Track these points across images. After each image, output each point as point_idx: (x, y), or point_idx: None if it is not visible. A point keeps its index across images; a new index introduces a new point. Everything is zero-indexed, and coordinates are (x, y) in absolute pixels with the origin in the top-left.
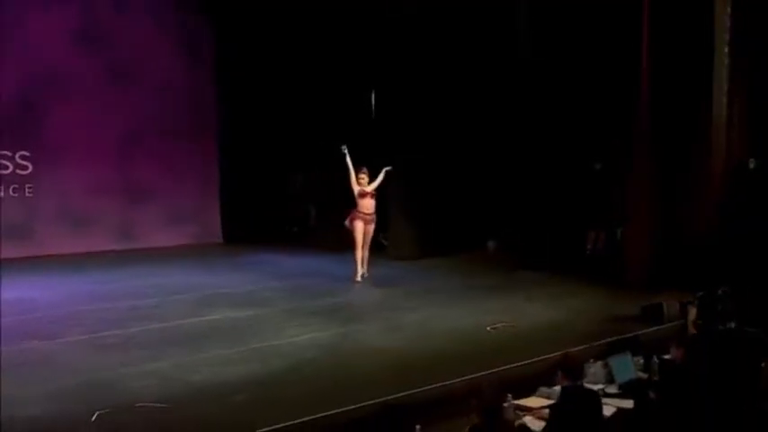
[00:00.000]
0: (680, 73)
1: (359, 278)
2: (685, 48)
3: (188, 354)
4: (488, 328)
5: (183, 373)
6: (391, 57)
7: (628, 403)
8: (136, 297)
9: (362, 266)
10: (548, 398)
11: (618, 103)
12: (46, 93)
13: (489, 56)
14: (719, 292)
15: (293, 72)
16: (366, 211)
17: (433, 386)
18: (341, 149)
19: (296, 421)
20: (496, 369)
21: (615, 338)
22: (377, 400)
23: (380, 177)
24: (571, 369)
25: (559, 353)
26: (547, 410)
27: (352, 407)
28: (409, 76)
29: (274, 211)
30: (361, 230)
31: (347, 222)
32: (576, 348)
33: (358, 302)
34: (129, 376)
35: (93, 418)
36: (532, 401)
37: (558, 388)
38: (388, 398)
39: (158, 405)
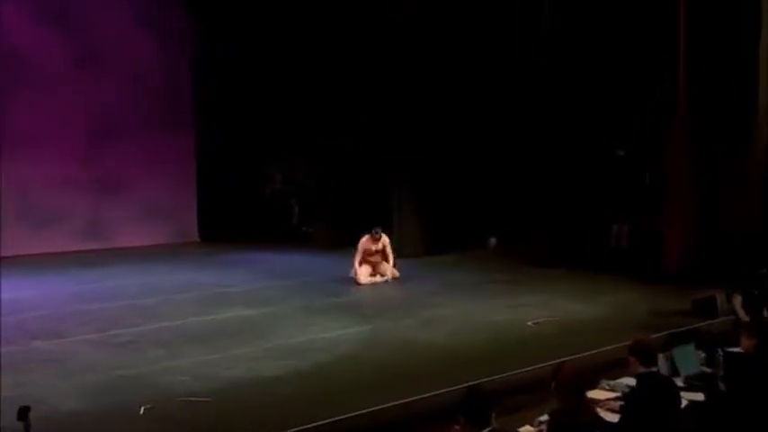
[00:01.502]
0: (721, 53)
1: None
2: (727, 27)
3: (211, 351)
4: (530, 323)
5: (215, 369)
6: (388, 49)
7: (696, 396)
8: (131, 296)
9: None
10: (612, 390)
11: (647, 84)
12: (6, 77)
13: (497, 43)
14: (763, 271)
15: (274, 63)
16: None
17: (501, 375)
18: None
19: (363, 411)
20: (560, 360)
21: (673, 331)
22: (439, 392)
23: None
24: (646, 354)
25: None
26: (615, 403)
27: (423, 396)
28: (411, 69)
29: (254, 208)
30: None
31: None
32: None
33: (376, 299)
34: (156, 372)
35: (142, 411)
36: (597, 394)
37: (623, 380)
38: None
39: (202, 399)
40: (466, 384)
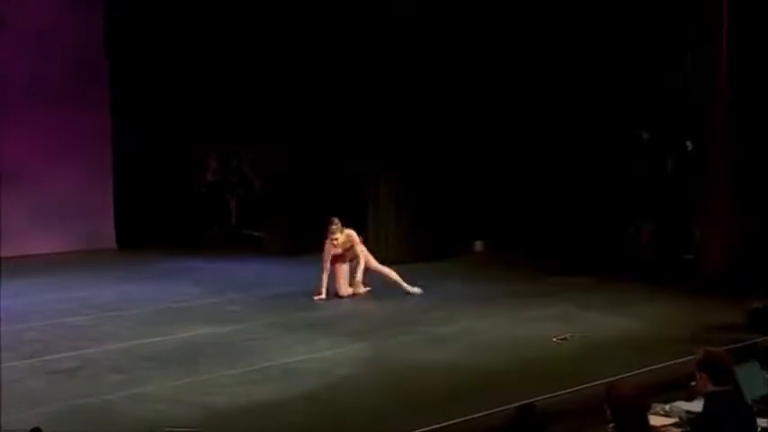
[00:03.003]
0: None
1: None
2: None
3: (182, 375)
4: (555, 339)
5: (193, 395)
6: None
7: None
8: (57, 315)
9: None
10: (667, 416)
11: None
12: None
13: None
14: None
15: (210, 25)
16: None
17: (535, 400)
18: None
19: None
20: (602, 381)
21: (729, 347)
22: (472, 416)
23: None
24: (719, 370)
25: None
26: (676, 430)
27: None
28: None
29: (185, 207)
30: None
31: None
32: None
33: (364, 314)
34: (123, 401)
35: None
36: (653, 420)
37: (680, 404)
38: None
39: (190, 429)
40: (500, 408)
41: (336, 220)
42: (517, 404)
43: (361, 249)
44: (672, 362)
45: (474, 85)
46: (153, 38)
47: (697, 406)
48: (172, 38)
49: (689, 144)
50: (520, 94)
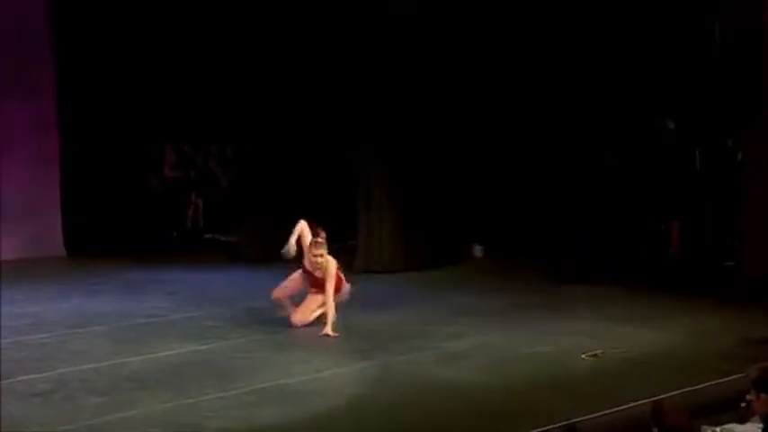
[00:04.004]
0: None
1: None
2: None
3: (171, 397)
4: (584, 356)
5: (190, 419)
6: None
7: None
8: (16, 332)
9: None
10: None
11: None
12: None
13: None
14: None
15: (170, 13)
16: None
17: (574, 421)
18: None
19: None
20: (644, 400)
21: None
22: None
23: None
24: None
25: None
26: None
27: None
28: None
29: (141, 207)
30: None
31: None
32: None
33: (365, 330)
34: (111, 426)
35: None
36: None
37: (733, 426)
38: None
39: None
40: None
41: (324, 234)
42: (557, 425)
43: (331, 288)
44: (719, 380)
45: (473, 78)
46: (107, 11)
47: (751, 428)
48: (128, 12)
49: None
50: (526, 82)
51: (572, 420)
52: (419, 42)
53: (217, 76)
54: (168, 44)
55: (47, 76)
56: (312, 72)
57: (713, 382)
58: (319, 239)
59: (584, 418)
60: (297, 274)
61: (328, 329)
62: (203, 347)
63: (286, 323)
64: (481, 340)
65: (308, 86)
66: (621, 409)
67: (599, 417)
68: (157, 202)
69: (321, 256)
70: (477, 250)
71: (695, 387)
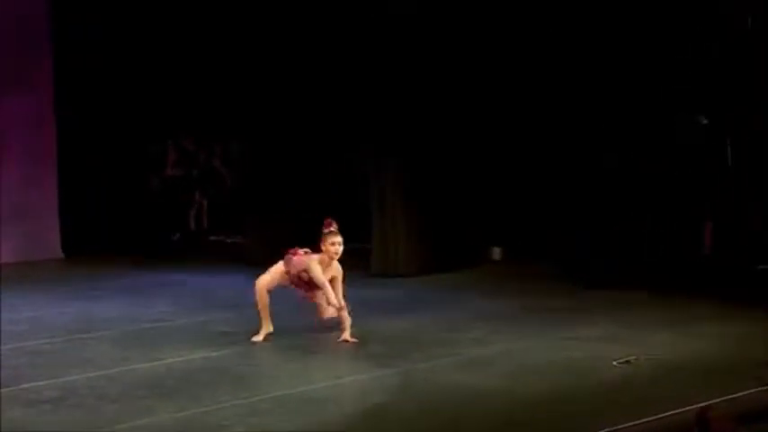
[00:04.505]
0: None
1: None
2: None
3: (188, 404)
4: (615, 362)
5: (205, 427)
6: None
7: None
8: (17, 338)
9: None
10: None
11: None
12: None
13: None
14: None
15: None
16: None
17: (609, 430)
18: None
19: None
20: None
21: None
22: None
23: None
24: None
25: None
26: None
27: None
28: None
29: (142, 208)
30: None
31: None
32: None
33: (382, 335)
34: None
35: None
36: None
37: None
38: None
39: None
40: None
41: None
42: None
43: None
44: (758, 388)
45: (489, 74)
46: (106, 4)
47: None
48: (128, 5)
49: (703, 119)
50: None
51: (612, 428)
52: (427, 40)
53: (220, 72)
54: (169, 39)
55: (44, 72)
56: (322, 67)
57: (753, 390)
58: (332, 228)
59: (621, 426)
60: (281, 266)
61: (347, 335)
62: (214, 354)
63: (299, 328)
64: (504, 346)
65: (317, 82)
66: (661, 417)
67: (637, 425)
68: (158, 203)
69: (341, 243)
70: (496, 252)
71: (735, 395)
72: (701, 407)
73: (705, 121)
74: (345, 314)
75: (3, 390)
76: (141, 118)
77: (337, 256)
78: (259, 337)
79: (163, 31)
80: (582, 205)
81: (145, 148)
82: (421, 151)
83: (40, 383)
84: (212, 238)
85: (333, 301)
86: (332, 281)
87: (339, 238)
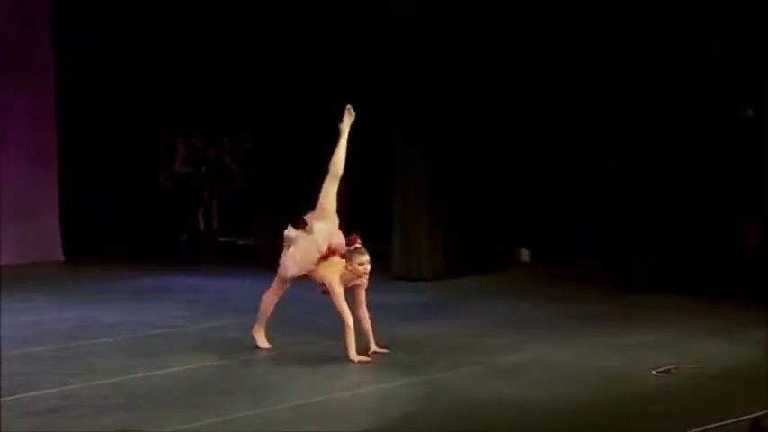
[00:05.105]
0: None
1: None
2: None
3: (199, 414)
4: (655, 372)
5: None
6: None
7: None
8: (17, 343)
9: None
10: None
11: None
12: None
13: None
14: None
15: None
16: None
17: None
18: None
19: None
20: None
21: None
22: None
23: None
24: None
25: None
26: None
27: None
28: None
29: (148, 207)
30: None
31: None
32: None
33: (408, 342)
34: None
35: None
36: None
37: None
38: None
39: None
40: None
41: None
42: None
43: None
44: None
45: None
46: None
47: None
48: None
49: (748, 111)
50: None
51: None
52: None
53: (229, 62)
54: (176, 28)
55: (44, 66)
56: (341, 59)
57: None
58: (357, 245)
59: None
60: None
61: (374, 346)
62: (225, 361)
63: (315, 333)
64: (536, 354)
65: (334, 74)
66: (710, 428)
67: None
68: (166, 202)
69: (368, 261)
70: (525, 254)
71: None
72: (756, 416)
73: (750, 113)
74: (367, 325)
75: (12, 398)
76: (146, 112)
77: (366, 276)
78: (265, 344)
79: (168, 17)
80: (617, 204)
81: (151, 144)
82: (446, 145)
83: (39, 393)
84: (222, 239)
85: (346, 320)
86: (355, 288)
87: (366, 257)
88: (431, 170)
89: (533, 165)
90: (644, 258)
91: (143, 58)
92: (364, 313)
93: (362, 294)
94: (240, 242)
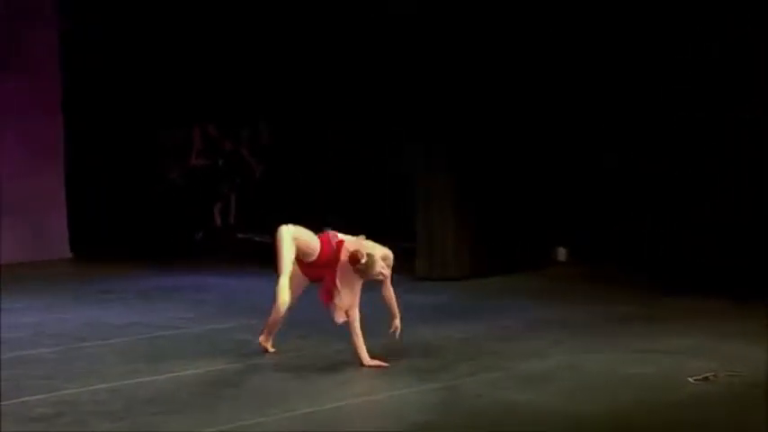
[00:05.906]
0: None
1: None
2: None
3: (206, 422)
4: (691, 379)
5: None
6: None
7: None
8: (18, 345)
9: None
10: None
11: None
12: None
13: None
14: None
15: None
16: None
17: None
18: None
19: None
20: None
21: None
22: None
23: None
24: None
25: None
26: None
27: None
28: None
29: (161, 202)
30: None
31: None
32: None
33: (425, 345)
34: None
35: None
36: None
37: None
38: None
39: None
40: None
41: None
42: None
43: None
44: None
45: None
46: None
47: None
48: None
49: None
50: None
51: None
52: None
53: (247, 50)
54: (188, 14)
55: (50, 45)
56: (363, 55)
57: None
58: (363, 260)
59: None
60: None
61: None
62: (234, 365)
63: (330, 336)
64: (567, 359)
65: (356, 70)
66: None
67: None
68: (180, 197)
69: (387, 261)
70: (561, 253)
71: None
72: None
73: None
74: (393, 304)
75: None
76: (159, 102)
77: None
78: (271, 348)
79: (186, 13)
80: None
81: (165, 136)
82: (468, 143)
83: (36, 397)
84: (240, 236)
85: (349, 319)
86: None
87: (379, 263)
88: (454, 168)
89: (561, 161)
90: (681, 259)
91: (159, 49)
92: (390, 293)
93: (387, 281)
94: (257, 239)
